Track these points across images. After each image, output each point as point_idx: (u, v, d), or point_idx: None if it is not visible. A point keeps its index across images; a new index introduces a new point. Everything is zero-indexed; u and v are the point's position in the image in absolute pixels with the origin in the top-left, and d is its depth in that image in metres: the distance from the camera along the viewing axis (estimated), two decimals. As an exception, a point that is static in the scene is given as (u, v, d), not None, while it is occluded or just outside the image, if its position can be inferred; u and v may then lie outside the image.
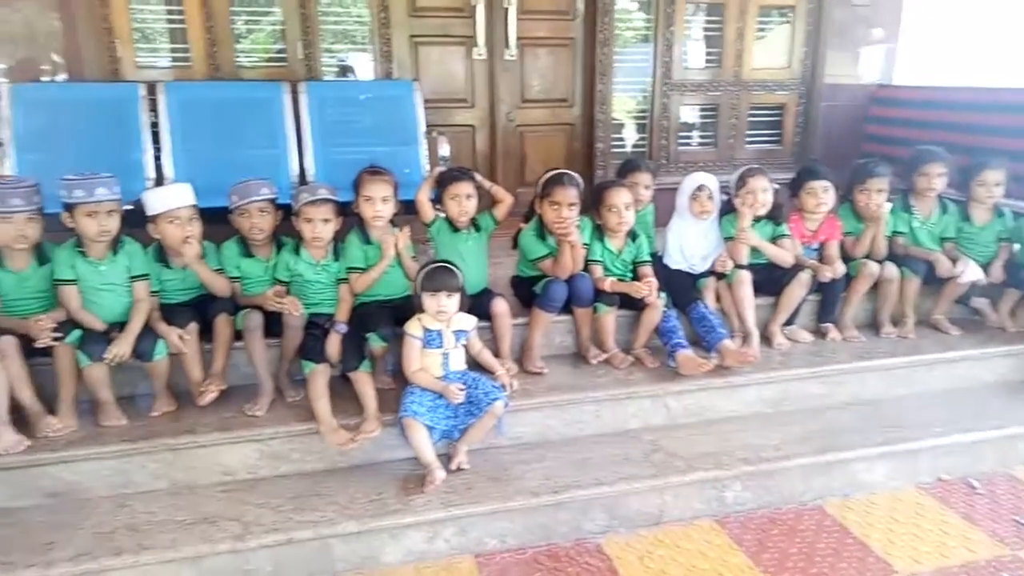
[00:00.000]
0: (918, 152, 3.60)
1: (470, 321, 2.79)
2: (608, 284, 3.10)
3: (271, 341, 2.77)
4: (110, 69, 3.91)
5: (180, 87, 3.77)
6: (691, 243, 3.34)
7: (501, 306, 3.00)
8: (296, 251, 2.85)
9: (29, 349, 2.46)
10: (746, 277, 3.23)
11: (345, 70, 4.38)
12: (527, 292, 3.17)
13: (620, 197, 3.11)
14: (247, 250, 2.86)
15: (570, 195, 2.97)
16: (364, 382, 2.73)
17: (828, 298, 3.49)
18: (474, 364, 2.83)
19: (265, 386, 2.73)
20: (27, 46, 3.73)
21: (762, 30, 4.94)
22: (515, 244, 3.25)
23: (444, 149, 3.78)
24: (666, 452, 2.78)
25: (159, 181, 3.57)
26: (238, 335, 2.75)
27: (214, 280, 2.76)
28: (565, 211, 2.96)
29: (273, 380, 2.77)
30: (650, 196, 3.50)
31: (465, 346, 2.79)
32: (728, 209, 3.37)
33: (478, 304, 2.91)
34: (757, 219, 3.34)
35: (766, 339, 3.34)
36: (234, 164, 3.56)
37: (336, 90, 4.09)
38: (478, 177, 3.08)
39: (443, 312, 2.66)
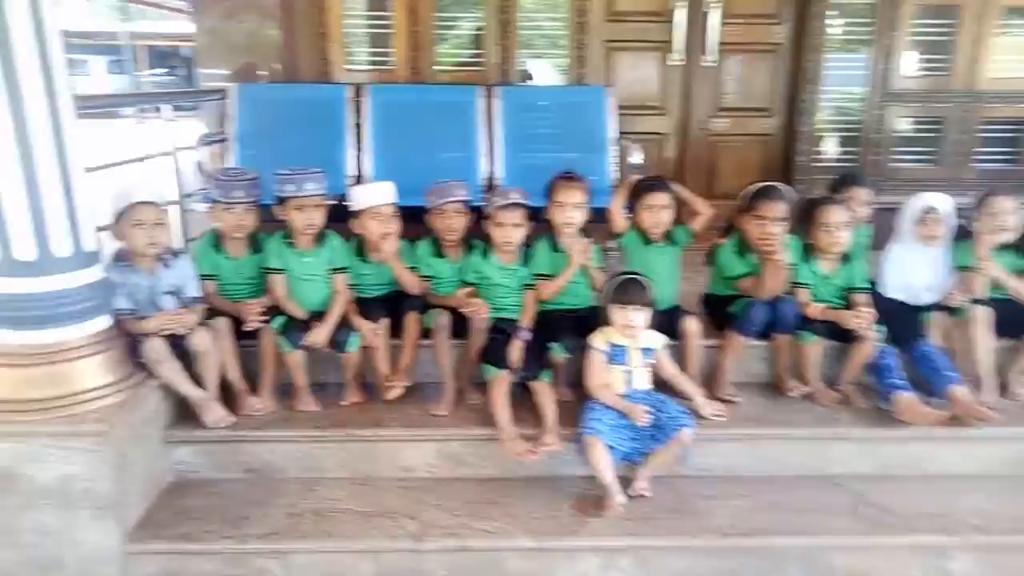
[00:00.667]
0: None
1: (659, 339, 2.63)
2: (816, 311, 2.81)
3: (456, 342, 2.76)
4: (321, 71, 4.15)
5: (382, 89, 3.91)
6: (915, 272, 2.94)
7: (692, 325, 2.80)
8: (485, 254, 2.82)
9: (239, 332, 2.61)
10: (985, 315, 2.79)
11: (526, 75, 4.36)
12: (721, 313, 2.95)
13: (835, 215, 2.81)
14: (439, 250, 2.87)
15: (778, 210, 2.72)
16: (544, 392, 2.64)
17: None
18: (659, 384, 2.65)
19: (448, 386, 2.72)
20: (249, 53, 4.03)
21: (1003, 35, 4.33)
22: (709, 260, 3.03)
23: (636, 157, 3.63)
24: (877, 506, 2.45)
25: (359, 179, 3.72)
26: (426, 333, 2.76)
27: (407, 277, 2.79)
28: (772, 227, 2.71)
29: (455, 381, 2.75)
30: (868, 215, 3.14)
31: (652, 365, 2.63)
32: (963, 235, 2.94)
33: (667, 321, 2.73)
34: (1000, 248, 2.89)
35: (1003, 387, 2.88)
36: (428, 165, 3.63)
37: (529, 95, 4.06)
38: (676, 187, 2.90)
39: (631, 327, 2.53)
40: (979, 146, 4.47)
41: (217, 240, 2.77)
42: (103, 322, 2.24)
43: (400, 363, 2.75)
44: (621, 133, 3.95)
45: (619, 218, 2.88)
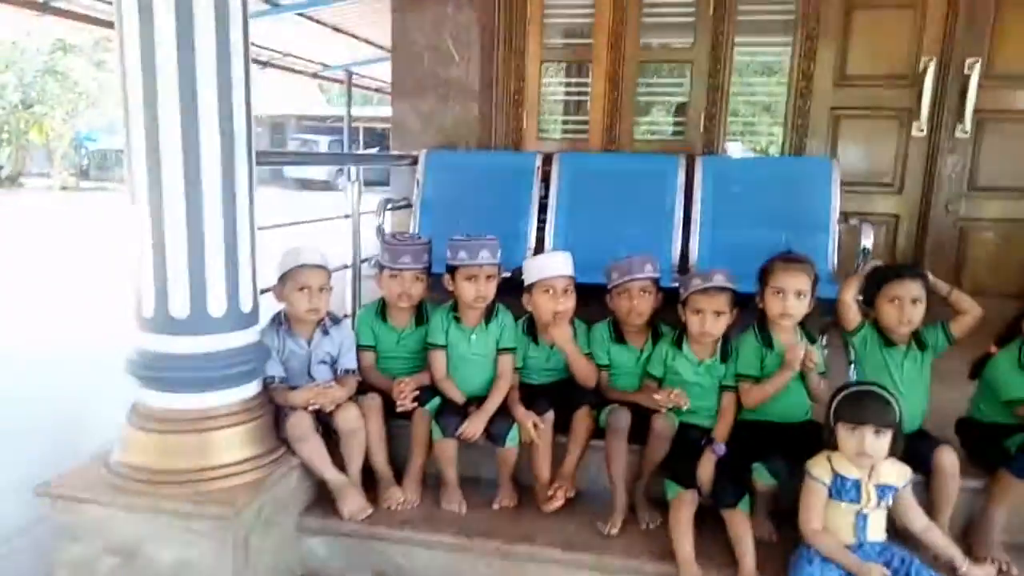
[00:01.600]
0: None
1: (904, 473, 2.00)
2: None
3: (633, 447, 2.30)
4: (514, 141, 3.99)
5: (574, 157, 3.65)
6: None
7: (948, 458, 2.13)
8: (677, 344, 2.37)
9: (392, 411, 2.35)
10: None
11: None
12: (985, 445, 2.23)
13: None
14: (620, 336, 2.46)
15: None
16: (741, 525, 2.09)
17: None
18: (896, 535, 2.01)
19: (619, 501, 2.25)
20: (453, 132, 3.96)
21: None
22: (976, 374, 2.33)
23: (868, 239, 3.01)
24: None
25: (538, 251, 3.44)
26: (597, 433, 2.33)
27: (581, 364, 2.40)
28: None
29: (628, 496, 2.28)
30: None
31: (889, 508, 1.99)
32: None
33: (910, 450, 2.08)
34: None
35: None
36: (616, 240, 3.28)
37: (737, 165, 3.61)
38: (931, 278, 2.27)
39: (866, 455, 1.93)
40: None
41: (382, 309, 2.57)
42: (251, 389, 2.07)
43: (564, 467, 2.34)
44: (845, 213, 3.35)
45: (851, 311, 2.30)
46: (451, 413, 2.31)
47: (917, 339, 2.27)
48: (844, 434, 1.97)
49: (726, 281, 2.28)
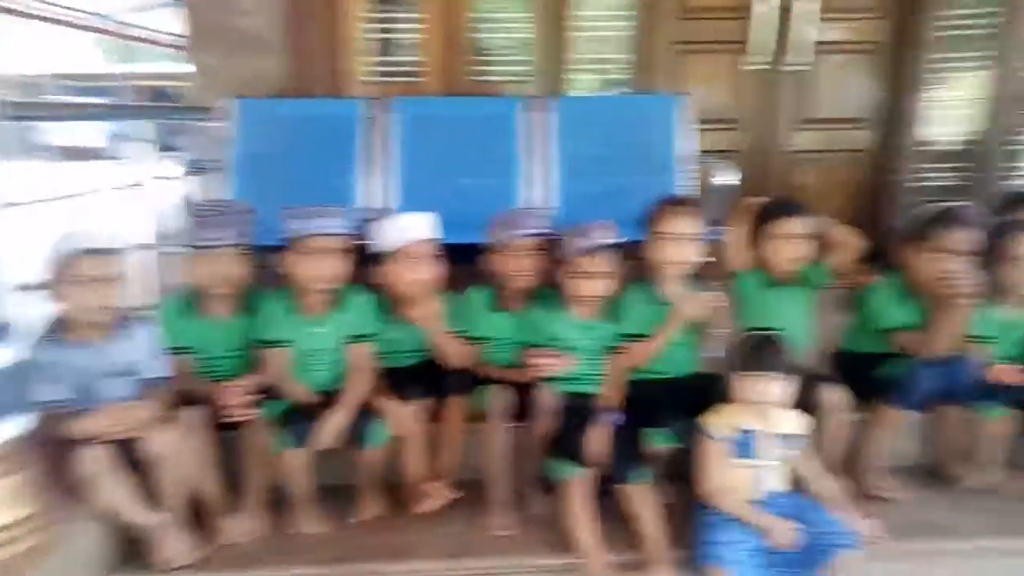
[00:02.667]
0: None
1: (803, 423, 1.88)
2: (1009, 373, 2.06)
3: (523, 425, 2.01)
4: (332, 86, 3.47)
5: (407, 102, 3.23)
6: None
7: (836, 396, 2.05)
8: (555, 307, 2.10)
9: (220, 423, 1.88)
10: None
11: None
12: (863, 376, 2.19)
13: None
14: (500, 302, 2.14)
15: (966, 240, 1.98)
16: (643, 500, 1.90)
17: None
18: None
19: (500, 495, 1.97)
20: (257, 83, 3.35)
21: None
22: (856, 306, 2.28)
23: (726, 177, 2.90)
24: None
25: (380, 214, 3.02)
26: (478, 416, 2.02)
27: (451, 348, 2.06)
28: (955, 262, 1.97)
29: (514, 484, 2.01)
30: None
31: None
32: None
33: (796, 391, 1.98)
34: None
35: None
36: (461, 194, 2.98)
37: (586, 106, 3.37)
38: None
39: (767, 404, 1.79)
40: None
41: (193, 299, 2.06)
42: (9, 428, 1.53)
43: (440, 462, 2.02)
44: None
45: (739, 252, 2.15)
46: (299, 418, 1.90)
47: (800, 276, 2.16)
48: (742, 385, 1.83)
49: (611, 237, 2.02)
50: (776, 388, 1.81)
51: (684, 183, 3.15)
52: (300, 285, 1.99)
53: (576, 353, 2.04)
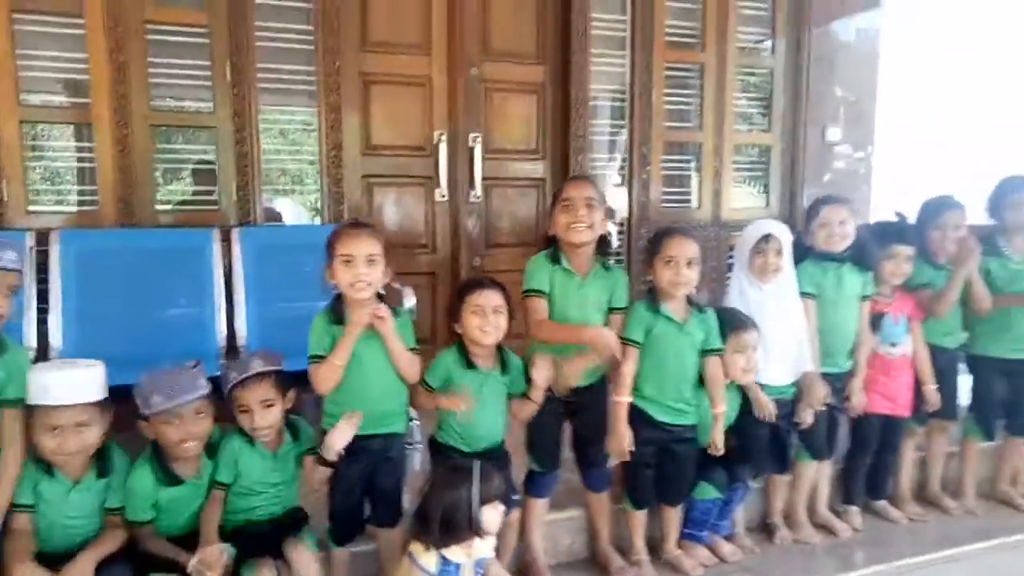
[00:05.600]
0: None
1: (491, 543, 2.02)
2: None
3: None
4: (-8, 214, 3.17)
5: (79, 236, 3.05)
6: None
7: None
8: (247, 441, 2.08)
9: None
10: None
11: (273, 215, 3.79)
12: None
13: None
14: (167, 474, 2.02)
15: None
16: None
17: (887, 455, 2.94)
18: None
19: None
20: None
21: (739, 170, 4.68)
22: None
23: (408, 300, 3.15)
24: None
25: (42, 354, 2.77)
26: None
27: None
28: None
29: None
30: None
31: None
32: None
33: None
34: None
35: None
36: (151, 329, 2.88)
37: (277, 237, 3.46)
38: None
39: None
40: (728, 272, 4.66)
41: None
42: None
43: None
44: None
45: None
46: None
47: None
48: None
49: (265, 365, 2.07)
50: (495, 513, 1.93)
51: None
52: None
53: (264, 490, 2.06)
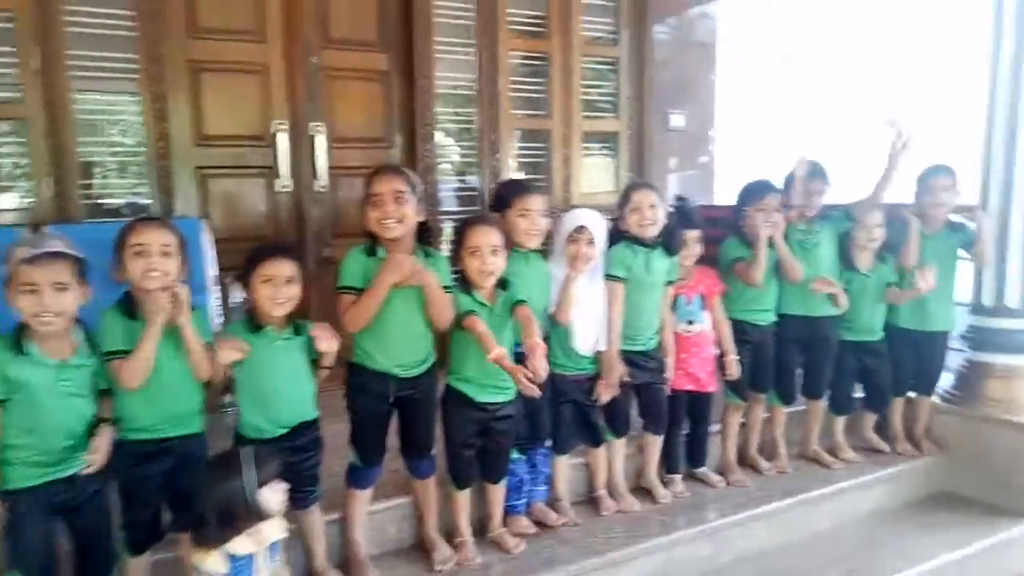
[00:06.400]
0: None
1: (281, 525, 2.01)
2: None
3: None
4: None
5: None
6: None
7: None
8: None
9: None
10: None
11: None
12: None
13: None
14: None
15: None
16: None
17: (700, 428, 3.15)
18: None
19: None
20: None
21: (589, 156, 4.82)
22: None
23: (240, 295, 3.08)
24: None
25: None
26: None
27: None
28: None
29: None
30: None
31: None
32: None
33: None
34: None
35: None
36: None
37: (98, 234, 3.28)
38: None
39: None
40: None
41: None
42: None
43: None
44: (226, 269, 3.38)
45: None
46: None
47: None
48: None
49: (66, 248, 1.92)
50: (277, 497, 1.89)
51: (213, 303, 3.25)
52: None
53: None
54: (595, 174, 4.85)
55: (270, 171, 3.89)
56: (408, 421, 2.44)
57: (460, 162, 4.48)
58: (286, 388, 2.18)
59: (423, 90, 4.14)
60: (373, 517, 2.53)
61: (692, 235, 2.96)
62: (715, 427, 3.23)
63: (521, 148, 4.64)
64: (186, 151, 3.66)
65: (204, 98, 3.69)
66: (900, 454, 3.43)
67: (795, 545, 2.99)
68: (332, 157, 4.02)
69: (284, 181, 3.91)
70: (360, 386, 2.34)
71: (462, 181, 4.48)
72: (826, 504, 3.13)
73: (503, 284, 2.44)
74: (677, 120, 4.99)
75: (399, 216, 2.27)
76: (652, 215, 2.78)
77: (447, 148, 4.39)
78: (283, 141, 3.86)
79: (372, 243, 2.35)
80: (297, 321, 2.23)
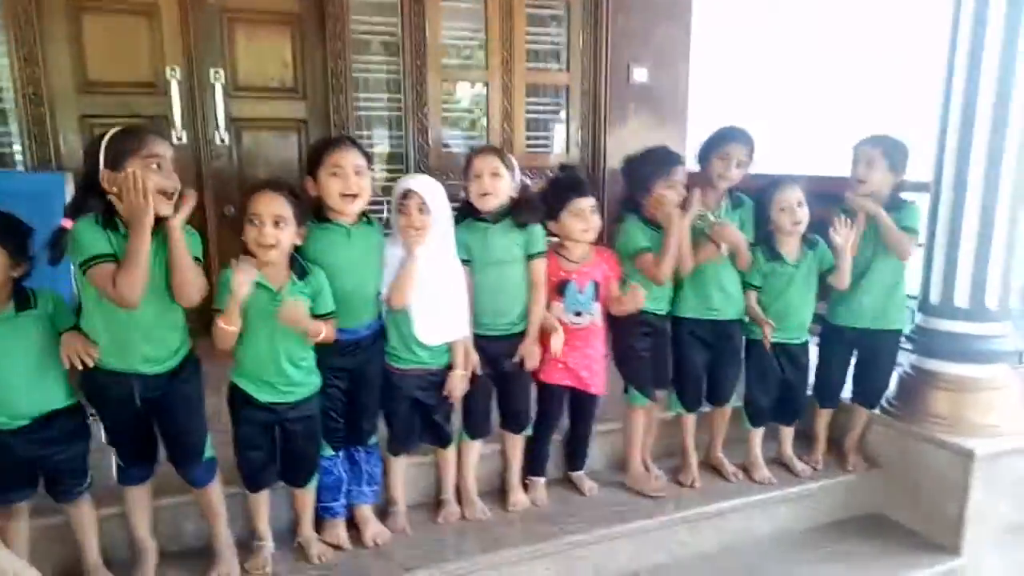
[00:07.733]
0: None
1: None
2: None
3: None
4: None
5: None
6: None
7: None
8: None
9: None
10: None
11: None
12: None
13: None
14: None
15: None
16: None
17: (580, 428, 2.80)
18: None
19: None
20: None
21: (534, 111, 4.39)
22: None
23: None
24: None
25: None
26: None
27: None
28: None
29: None
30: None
31: None
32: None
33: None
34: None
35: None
36: None
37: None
38: None
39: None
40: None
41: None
42: None
43: None
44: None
45: None
46: None
47: None
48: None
49: None
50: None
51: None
52: None
53: None
54: (542, 132, 4.43)
55: (164, 121, 3.65)
56: (165, 428, 2.14)
57: (380, 116, 4.12)
58: (14, 376, 1.94)
59: (334, 35, 3.79)
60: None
61: (584, 204, 2.55)
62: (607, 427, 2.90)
63: (452, 103, 4.24)
64: (67, 98, 3.44)
65: (86, 41, 3.45)
66: (816, 470, 3.02)
67: (668, 569, 2.66)
68: (235, 108, 3.74)
69: (178, 133, 3.65)
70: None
71: (388, 138, 4.14)
72: (717, 521, 2.77)
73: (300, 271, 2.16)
74: (640, 73, 4.48)
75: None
76: (492, 184, 2.40)
77: (367, 101, 4.03)
78: (175, 89, 3.60)
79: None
80: (28, 291, 1.96)
